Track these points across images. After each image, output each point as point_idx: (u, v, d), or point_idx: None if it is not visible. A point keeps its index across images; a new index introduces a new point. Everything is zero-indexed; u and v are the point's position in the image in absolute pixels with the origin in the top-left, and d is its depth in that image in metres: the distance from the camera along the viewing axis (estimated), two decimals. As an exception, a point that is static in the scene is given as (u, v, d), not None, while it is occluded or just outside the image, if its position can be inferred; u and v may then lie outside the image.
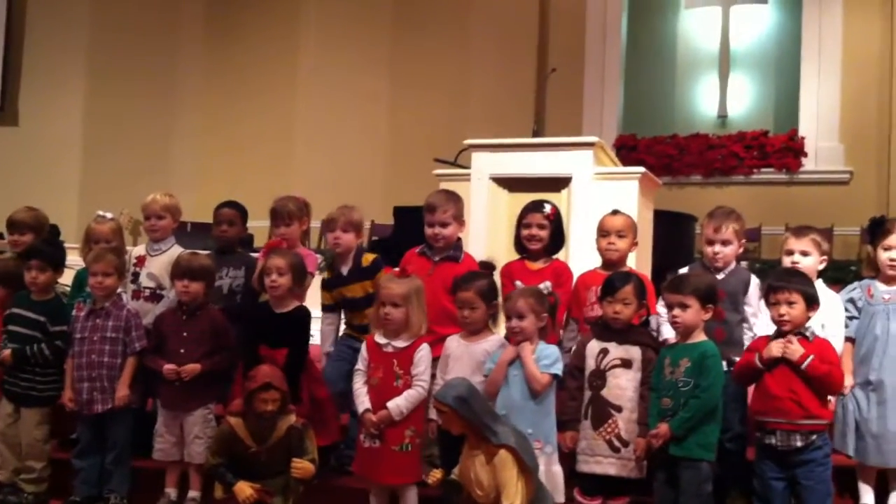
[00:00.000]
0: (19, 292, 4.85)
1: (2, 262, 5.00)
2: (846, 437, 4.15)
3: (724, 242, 4.32)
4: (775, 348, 3.78)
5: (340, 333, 4.81)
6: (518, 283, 4.46)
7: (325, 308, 4.82)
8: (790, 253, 4.35)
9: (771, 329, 4.02)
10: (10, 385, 4.75)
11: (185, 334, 4.51)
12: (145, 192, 5.27)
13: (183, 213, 5.36)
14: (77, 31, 11.68)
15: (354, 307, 4.71)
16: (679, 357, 3.85)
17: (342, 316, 4.83)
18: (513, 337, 3.98)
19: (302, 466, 3.86)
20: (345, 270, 4.74)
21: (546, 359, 3.89)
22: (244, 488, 3.81)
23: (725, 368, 4.01)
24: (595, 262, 4.54)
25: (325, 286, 4.82)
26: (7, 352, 4.74)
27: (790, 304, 3.79)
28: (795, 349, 3.74)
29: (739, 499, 4.24)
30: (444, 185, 5.42)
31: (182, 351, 4.49)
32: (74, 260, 5.43)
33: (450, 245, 4.55)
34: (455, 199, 4.62)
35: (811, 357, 3.72)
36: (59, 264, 4.87)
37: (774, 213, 9.72)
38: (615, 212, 4.53)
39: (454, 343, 4.16)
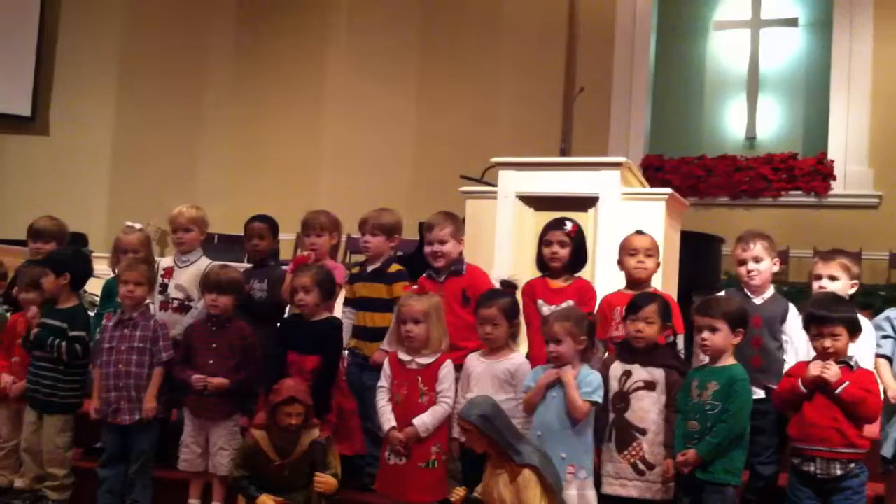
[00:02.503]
0: (47, 303, 4.90)
1: (31, 271, 5.03)
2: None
3: (756, 259, 4.32)
4: (813, 368, 3.75)
5: (345, 343, 4.78)
6: (539, 301, 4.47)
7: (346, 302, 4.87)
8: (818, 278, 4.33)
9: (802, 354, 4.01)
10: (33, 392, 4.80)
11: (213, 346, 4.55)
12: (173, 203, 5.33)
13: (210, 226, 5.41)
14: (108, 44, 11.80)
15: (366, 307, 4.75)
16: (707, 380, 3.82)
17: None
18: (552, 361, 3.95)
19: (325, 481, 3.86)
20: (370, 269, 4.81)
21: (587, 385, 3.85)
22: (267, 501, 3.81)
23: (763, 396, 3.98)
24: (621, 282, 4.53)
25: (350, 280, 4.87)
26: (35, 309, 4.78)
27: (834, 336, 3.77)
28: (834, 372, 3.71)
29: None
30: (470, 203, 5.43)
31: (210, 362, 4.52)
32: (103, 269, 5.49)
33: (451, 262, 4.61)
34: (453, 218, 4.71)
35: (846, 383, 3.69)
36: (66, 271, 4.87)
37: (802, 237, 9.64)
38: (640, 232, 4.52)
39: (475, 361, 4.16)
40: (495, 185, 5.48)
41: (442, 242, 4.59)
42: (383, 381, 4.19)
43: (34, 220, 5.49)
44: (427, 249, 4.63)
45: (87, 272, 5.09)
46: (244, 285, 4.78)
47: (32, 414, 4.81)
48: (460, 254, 4.67)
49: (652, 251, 4.44)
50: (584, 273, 4.68)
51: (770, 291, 4.39)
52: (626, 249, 4.47)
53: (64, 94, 11.85)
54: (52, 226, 5.44)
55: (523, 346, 4.37)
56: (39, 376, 4.78)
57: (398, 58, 11.83)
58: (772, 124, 11.20)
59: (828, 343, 3.77)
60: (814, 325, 3.83)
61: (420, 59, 11.82)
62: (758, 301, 4.34)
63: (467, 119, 11.30)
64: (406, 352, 4.14)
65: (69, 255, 5.08)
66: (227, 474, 4.26)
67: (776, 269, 4.44)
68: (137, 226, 5.48)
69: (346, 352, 4.79)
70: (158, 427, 4.72)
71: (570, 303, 4.34)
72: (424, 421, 4.02)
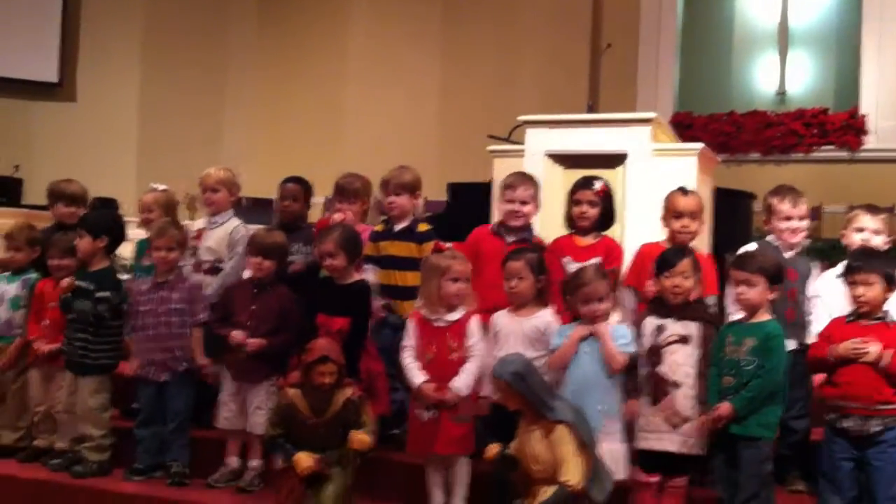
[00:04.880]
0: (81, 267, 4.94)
1: (66, 238, 5.07)
2: None
3: (801, 217, 4.32)
4: (843, 349, 3.75)
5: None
6: (566, 258, 4.45)
7: (368, 259, 4.82)
8: (861, 230, 4.31)
9: (836, 310, 3.98)
10: (69, 354, 4.85)
11: (253, 308, 4.58)
12: (200, 166, 5.36)
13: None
14: (132, 8, 11.83)
15: (394, 266, 4.73)
16: (743, 335, 3.81)
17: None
18: (596, 320, 3.94)
19: (359, 439, 3.89)
20: (397, 228, 4.79)
21: (622, 337, 3.88)
22: (303, 459, 3.85)
23: (796, 347, 3.97)
24: (651, 238, 4.49)
25: (373, 237, 4.85)
26: (70, 279, 4.83)
27: (868, 284, 3.77)
28: (871, 352, 3.71)
29: (799, 480, 4.21)
30: (498, 162, 5.40)
31: (249, 324, 4.55)
32: (135, 233, 5.54)
33: (526, 226, 4.57)
34: (534, 181, 4.65)
35: (889, 355, 3.68)
36: (104, 234, 4.89)
37: (835, 192, 9.50)
38: (685, 191, 4.43)
39: (502, 318, 4.16)
40: (522, 144, 5.45)
41: (524, 203, 4.54)
42: (406, 341, 4.19)
43: (55, 183, 5.52)
44: (507, 207, 4.55)
45: (123, 236, 5.12)
46: (288, 249, 4.79)
47: (68, 376, 4.86)
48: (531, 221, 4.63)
49: (697, 213, 4.37)
50: (615, 229, 4.66)
51: (799, 247, 4.39)
52: (671, 211, 4.39)
53: (90, 60, 11.90)
54: (75, 187, 5.48)
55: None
56: (73, 338, 4.82)
57: (422, 16, 11.75)
58: (802, 79, 11.03)
59: (860, 290, 3.78)
60: (849, 274, 3.85)
61: (444, 16, 11.73)
62: (788, 255, 4.33)
63: (492, 77, 11.21)
64: (439, 311, 4.14)
65: (108, 218, 5.10)
66: (264, 433, 4.31)
67: None
68: (161, 187, 5.50)
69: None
70: (195, 387, 4.77)
71: (597, 260, 4.32)
72: (463, 380, 4.03)
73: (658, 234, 4.48)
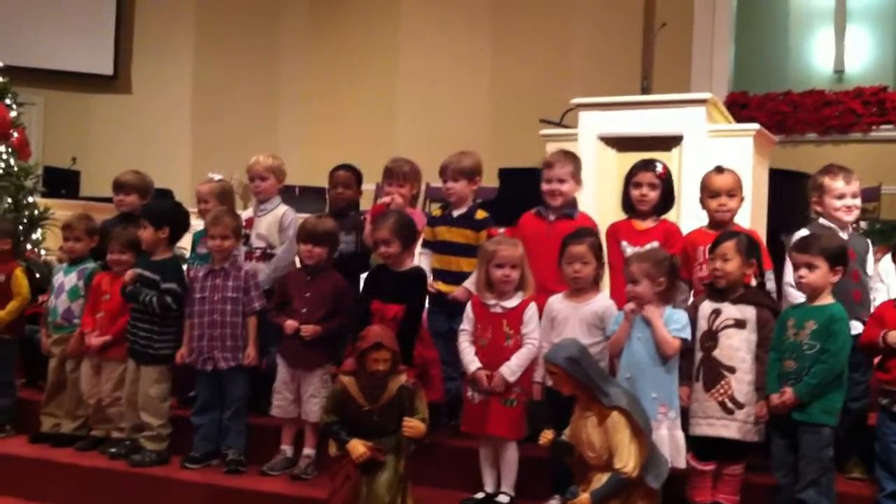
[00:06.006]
0: (142, 255, 4.99)
1: (126, 232, 5.12)
2: None
3: (854, 195, 4.24)
4: (892, 338, 3.70)
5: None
6: (624, 242, 4.41)
7: (425, 244, 4.83)
8: None
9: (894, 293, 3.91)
10: (132, 343, 4.90)
11: (307, 295, 4.61)
12: (254, 155, 5.38)
13: (288, 176, 5.45)
14: (185, 1, 11.94)
15: (449, 251, 4.72)
16: (805, 319, 3.73)
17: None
18: (631, 301, 3.91)
19: (413, 426, 3.89)
20: (455, 213, 4.77)
21: (676, 323, 3.81)
22: (357, 446, 3.85)
23: (861, 330, 3.88)
24: (706, 221, 4.43)
25: (430, 222, 4.85)
26: (132, 272, 4.88)
27: None
28: None
29: (858, 466, 4.13)
30: (550, 146, 5.33)
31: (304, 310, 4.59)
32: (192, 223, 5.58)
33: (567, 203, 4.51)
34: (573, 157, 4.60)
35: None
36: (166, 224, 4.92)
37: (894, 172, 9.32)
38: (720, 169, 4.37)
39: (558, 303, 4.12)
40: (575, 128, 5.39)
41: (561, 181, 4.48)
42: (466, 325, 4.21)
43: (118, 174, 5.59)
44: (545, 187, 4.51)
45: (186, 226, 5.15)
46: (339, 236, 4.81)
47: (132, 365, 4.92)
48: (574, 198, 4.59)
49: (734, 190, 4.31)
50: (670, 213, 4.59)
51: (851, 226, 4.34)
52: (707, 190, 4.35)
53: (144, 51, 12.06)
54: (135, 179, 5.53)
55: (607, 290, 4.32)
56: (137, 328, 4.88)
57: (471, 2, 11.68)
58: (861, 56, 10.80)
59: None
60: None
61: (494, 1, 11.65)
62: (844, 235, 4.25)
63: (544, 61, 11.11)
64: (496, 296, 4.13)
65: (170, 209, 5.13)
66: (318, 420, 4.33)
67: None
68: (217, 177, 5.55)
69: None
70: (250, 375, 4.82)
71: (655, 244, 4.26)
72: (511, 367, 4.03)
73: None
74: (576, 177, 4.53)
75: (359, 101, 11.97)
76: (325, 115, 12.17)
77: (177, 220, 5.04)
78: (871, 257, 4.30)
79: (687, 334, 3.82)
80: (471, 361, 4.12)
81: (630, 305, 3.89)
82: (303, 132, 12.10)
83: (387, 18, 11.98)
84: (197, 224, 5.34)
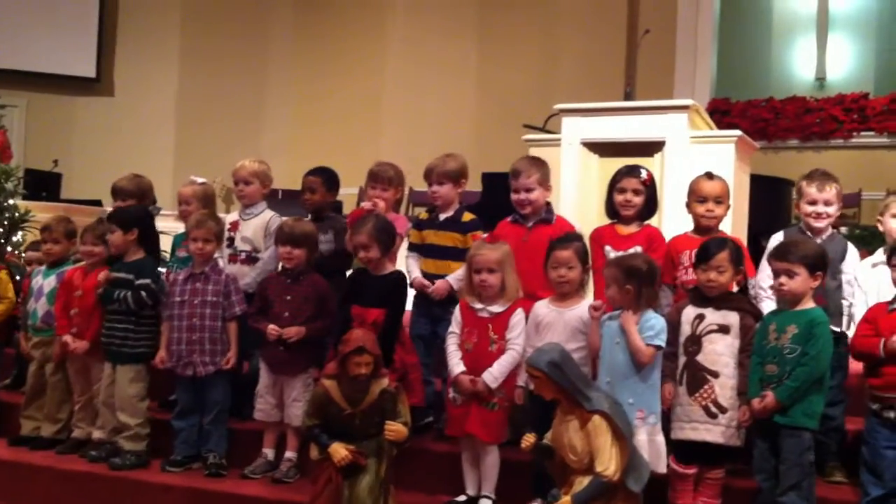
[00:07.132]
0: (117, 259, 4.97)
1: (102, 226, 5.10)
2: None
3: (827, 203, 4.23)
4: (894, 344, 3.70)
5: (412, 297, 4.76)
6: (607, 247, 4.41)
7: (411, 247, 4.83)
8: None
9: (871, 299, 3.92)
10: (108, 343, 4.87)
11: (288, 298, 4.60)
12: (238, 160, 5.38)
13: (274, 181, 5.45)
14: (170, 2, 11.91)
15: (438, 255, 4.70)
16: (786, 323, 3.74)
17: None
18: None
19: (395, 429, 3.88)
20: (442, 217, 4.76)
21: (650, 330, 3.79)
22: (339, 450, 3.85)
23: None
24: (689, 227, 4.45)
25: (417, 225, 4.84)
26: (106, 271, 4.86)
27: None
28: None
29: (839, 470, 4.15)
30: (533, 151, 5.36)
31: (286, 314, 4.57)
32: (171, 226, 5.57)
33: (539, 210, 4.52)
34: (539, 164, 4.58)
35: None
36: (133, 227, 4.91)
37: (874, 178, 9.39)
38: (710, 175, 4.39)
39: (545, 309, 4.11)
40: (558, 133, 5.41)
41: (529, 190, 4.47)
42: (454, 328, 4.21)
43: (116, 180, 5.57)
44: (514, 197, 4.51)
45: (152, 227, 5.12)
46: (318, 238, 4.80)
47: (108, 366, 4.89)
48: (548, 203, 4.58)
49: (722, 197, 4.33)
50: (651, 218, 4.61)
51: (828, 231, 4.33)
52: (695, 195, 4.35)
53: (128, 54, 12.03)
54: (131, 185, 5.52)
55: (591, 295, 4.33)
56: (113, 328, 4.85)
57: (458, 6, 11.71)
58: (842, 64, 10.90)
59: None
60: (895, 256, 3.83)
61: (480, 6, 11.68)
62: (817, 241, 4.25)
63: (528, 67, 11.15)
64: (479, 300, 4.14)
65: (136, 210, 5.14)
66: (300, 425, 4.32)
67: (838, 214, 4.39)
68: (199, 180, 5.53)
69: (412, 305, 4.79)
70: (231, 379, 4.80)
71: (638, 249, 4.28)
72: (493, 373, 4.03)
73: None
74: (543, 183, 4.52)
75: (344, 105, 11.96)
76: (311, 120, 12.17)
77: (144, 221, 5.03)
78: (851, 259, 4.29)
79: (661, 341, 3.81)
80: (456, 365, 4.12)
81: (596, 303, 3.94)
82: (288, 136, 12.09)
83: (372, 24, 11.99)
84: (177, 227, 5.32)
